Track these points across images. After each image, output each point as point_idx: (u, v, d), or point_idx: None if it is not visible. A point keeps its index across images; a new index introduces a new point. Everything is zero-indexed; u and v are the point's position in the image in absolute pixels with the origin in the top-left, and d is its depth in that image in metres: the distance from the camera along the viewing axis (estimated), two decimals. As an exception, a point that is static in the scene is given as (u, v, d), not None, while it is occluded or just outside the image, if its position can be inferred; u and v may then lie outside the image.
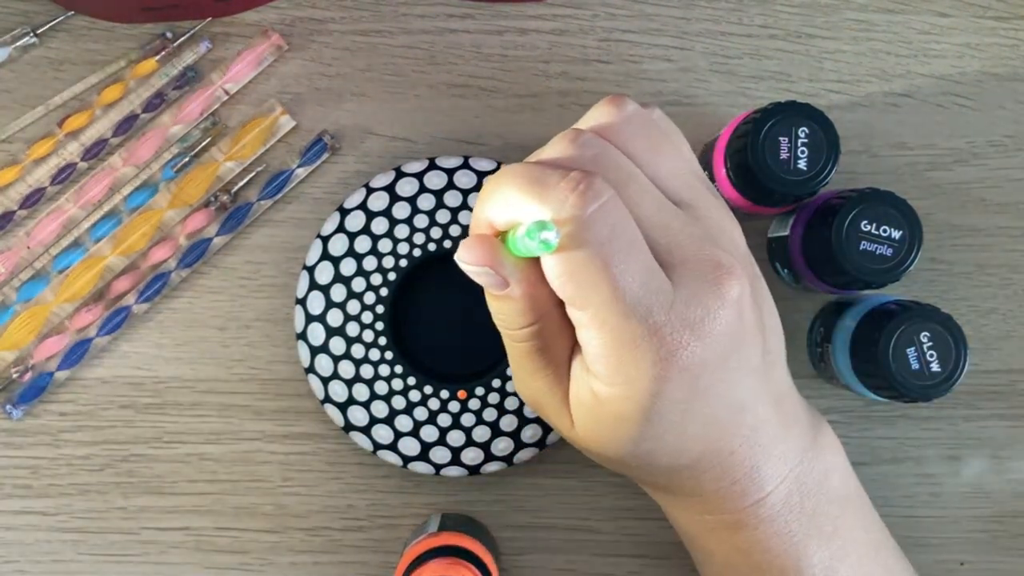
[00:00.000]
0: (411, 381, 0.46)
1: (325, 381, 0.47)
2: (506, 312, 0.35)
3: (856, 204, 0.42)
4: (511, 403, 0.47)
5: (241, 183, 0.49)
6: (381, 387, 0.46)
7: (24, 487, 0.48)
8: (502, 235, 0.35)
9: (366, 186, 0.47)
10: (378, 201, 0.47)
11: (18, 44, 0.48)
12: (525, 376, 0.37)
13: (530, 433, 0.47)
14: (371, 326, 0.47)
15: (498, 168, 0.47)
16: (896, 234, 0.42)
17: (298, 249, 0.49)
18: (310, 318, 0.47)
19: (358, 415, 0.46)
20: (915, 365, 0.42)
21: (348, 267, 0.47)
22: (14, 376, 0.48)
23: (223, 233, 0.48)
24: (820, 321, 0.47)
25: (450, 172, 0.47)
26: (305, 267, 0.47)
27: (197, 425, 0.48)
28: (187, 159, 0.49)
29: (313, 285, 0.47)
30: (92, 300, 0.48)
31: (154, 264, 0.48)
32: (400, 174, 0.47)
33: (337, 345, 0.46)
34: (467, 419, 0.46)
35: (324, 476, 0.48)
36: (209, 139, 0.49)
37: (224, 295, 0.49)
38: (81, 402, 0.48)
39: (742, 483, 0.36)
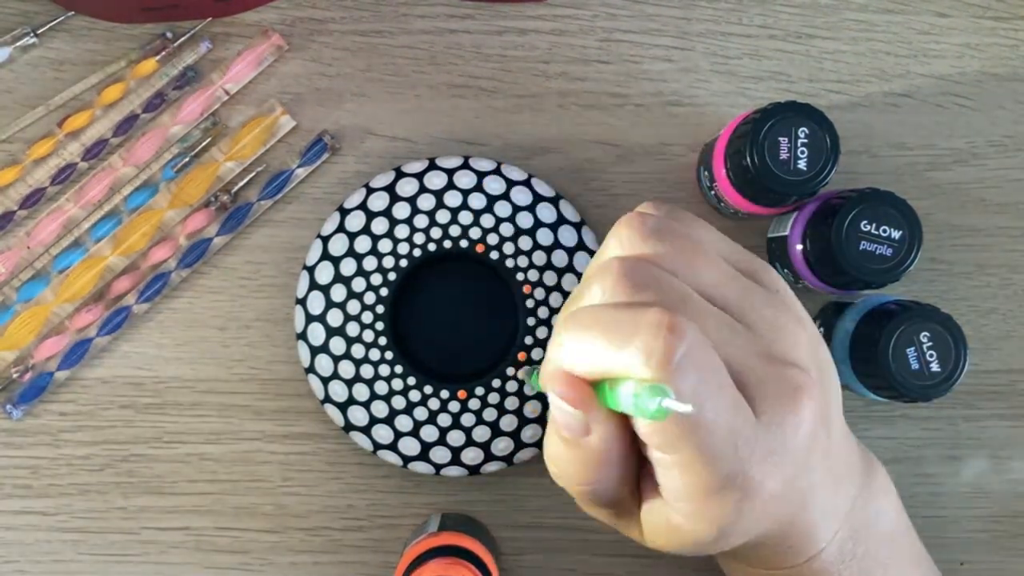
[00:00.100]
0: (411, 381, 0.46)
1: (325, 381, 0.47)
2: (570, 461, 0.33)
3: (856, 204, 0.42)
4: (511, 403, 0.47)
5: (241, 183, 0.49)
6: (381, 387, 0.46)
7: (24, 487, 0.48)
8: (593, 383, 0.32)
9: (366, 186, 0.47)
10: (378, 201, 0.47)
11: (18, 44, 0.48)
12: (580, 504, 0.36)
13: (530, 433, 0.46)
14: (371, 326, 0.47)
15: (498, 168, 0.47)
16: (896, 234, 0.42)
17: (298, 249, 0.49)
18: (310, 318, 0.47)
19: (358, 415, 0.46)
20: (915, 365, 0.42)
21: (348, 267, 0.47)
22: (14, 376, 0.48)
23: (223, 233, 0.48)
24: (820, 321, 0.47)
25: (450, 172, 0.47)
26: (305, 267, 0.47)
27: (197, 425, 0.48)
28: (187, 159, 0.49)
29: (313, 285, 0.47)
30: (92, 300, 0.48)
31: (154, 264, 0.48)
32: (400, 174, 0.47)
33: (337, 345, 0.46)
34: (467, 419, 0.46)
35: (324, 476, 0.48)
36: (209, 139, 0.49)
37: (224, 295, 0.49)
38: (81, 402, 0.48)
39: (797, 545, 0.36)
